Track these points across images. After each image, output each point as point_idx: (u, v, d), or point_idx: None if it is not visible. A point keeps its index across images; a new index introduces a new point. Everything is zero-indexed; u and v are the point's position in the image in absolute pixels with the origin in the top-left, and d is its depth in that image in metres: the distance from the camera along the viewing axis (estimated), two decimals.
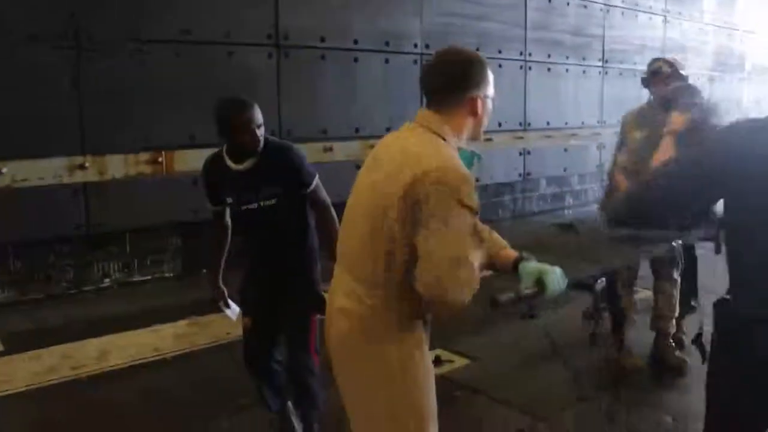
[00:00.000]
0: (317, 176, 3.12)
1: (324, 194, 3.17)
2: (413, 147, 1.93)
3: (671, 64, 4.44)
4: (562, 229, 3.38)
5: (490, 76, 2.06)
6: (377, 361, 1.97)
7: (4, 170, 5.27)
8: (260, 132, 2.94)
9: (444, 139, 1.97)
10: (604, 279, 2.73)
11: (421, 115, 2.03)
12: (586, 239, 3.12)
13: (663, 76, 4.41)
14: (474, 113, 2.01)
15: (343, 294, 2.03)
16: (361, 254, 1.96)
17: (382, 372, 1.97)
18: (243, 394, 3.60)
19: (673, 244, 3.06)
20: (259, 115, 2.95)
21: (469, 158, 2.03)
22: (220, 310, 3.36)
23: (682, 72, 4.43)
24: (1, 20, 5.23)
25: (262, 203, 3.01)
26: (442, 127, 1.98)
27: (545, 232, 3.01)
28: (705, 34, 12.70)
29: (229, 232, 3.28)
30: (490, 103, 2.06)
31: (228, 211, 3.21)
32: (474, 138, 2.07)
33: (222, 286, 3.32)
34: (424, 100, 2.09)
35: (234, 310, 3.34)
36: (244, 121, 2.89)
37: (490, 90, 2.06)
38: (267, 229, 3.08)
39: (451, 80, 1.99)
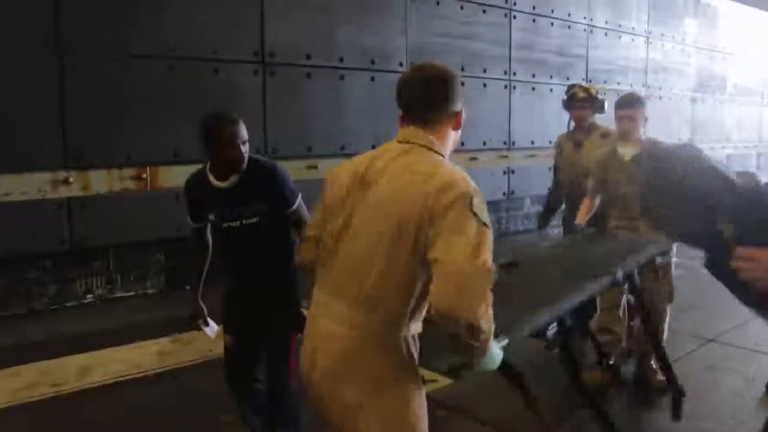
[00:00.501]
0: (300, 196, 3.14)
1: (306, 214, 3.18)
2: (420, 166, 1.90)
3: (586, 90, 4.99)
4: (503, 268, 3.21)
5: None
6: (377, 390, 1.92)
7: None
8: (245, 148, 2.95)
9: (442, 156, 1.98)
10: (555, 325, 2.66)
11: (410, 133, 1.99)
12: (530, 279, 3.06)
13: (578, 101, 4.98)
14: (457, 126, 2.04)
15: (336, 321, 1.96)
16: (367, 277, 1.90)
17: (383, 403, 1.93)
18: (225, 412, 3.58)
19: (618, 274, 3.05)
20: (243, 131, 2.95)
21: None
22: (199, 328, 3.34)
23: (598, 97, 5.01)
24: None
25: (244, 221, 3.02)
26: (435, 143, 1.97)
27: None
28: (687, 55, 12.89)
29: (210, 249, 3.28)
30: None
31: (209, 229, 3.21)
32: (451, 149, 2.08)
33: (201, 304, 3.31)
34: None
35: (212, 327, 3.34)
36: (228, 136, 2.88)
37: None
38: (249, 247, 3.08)
39: (438, 95, 1.99)
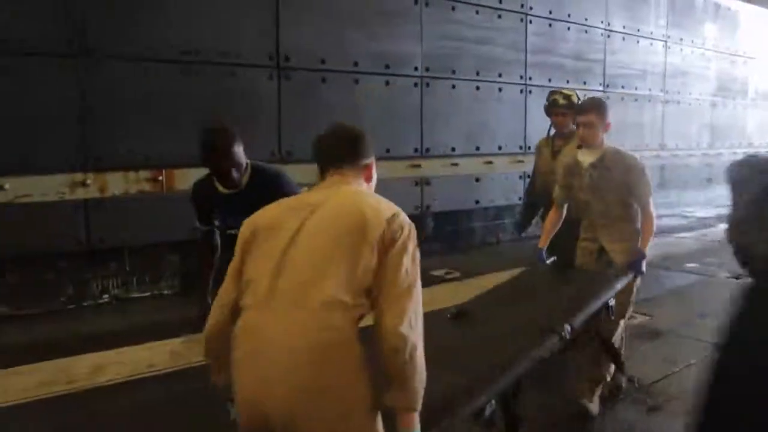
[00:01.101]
0: None
1: None
2: (365, 197, 2.08)
3: (566, 97, 5.00)
4: (452, 319, 3.20)
5: None
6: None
7: (7, 186, 5.36)
8: (238, 162, 3.01)
9: None
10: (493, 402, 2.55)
11: (339, 178, 2.19)
12: (476, 334, 2.97)
13: (559, 107, 5.00)
14: (369, 178, 2.28)
15: (298, 334, 1.89)
16: (332, 277, 1.93)
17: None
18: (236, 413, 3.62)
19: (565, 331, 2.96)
20: (237, 148, 3.03)
21: None
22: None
23: (579, 103, 4.81)
24: (5, 34, 5.34)
25: None
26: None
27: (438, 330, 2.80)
28: (707, 59, 12.79)
29: (218, 251, 3.33)
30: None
31: (216, 231, 3.26)
32: None
33: (209, 303, 3.36)
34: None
35: None
36: (221, 151, 2.98)
37: None
38: None
39: (354, 150, 2.23)
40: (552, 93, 5.17)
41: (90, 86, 5.71)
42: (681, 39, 12.02)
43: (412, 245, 1.99)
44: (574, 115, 4.80)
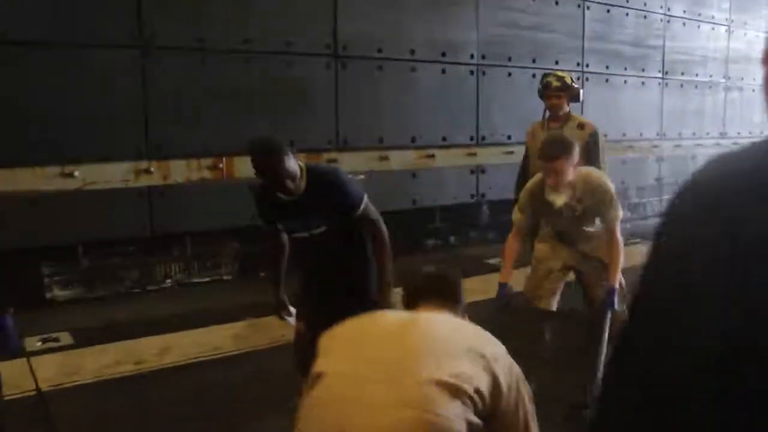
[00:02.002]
0: (365, 196, 3.16)
1: (374, 214, 3.22)
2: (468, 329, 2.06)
3: (560, 78, 4.95)
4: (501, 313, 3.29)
5: None
6: None
7: (76, 173, 5.54)
8: (290, 180, 2.97)
9: None
10: None
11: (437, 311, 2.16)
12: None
13: (553, 89, 4.94)
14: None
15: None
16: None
17: None
18: (298, 395, 3.70)
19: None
20: (286, 162, 2.94)
21: None
22: (283, 318, 3.52)
23: (574, 85, 4.96)
24: (70, 24, 5.49)
25: (312, 231, 3.12)
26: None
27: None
28: None
29: (287, 247, 3.37)
30: None
31: (283, 232, 3.32)
32: None
33: (283, 298, 3.44)
34: None
35: (291, 320, 3.50)
36: (271, 169, 2.93)
37: None
38: (320, 253, 3.19)
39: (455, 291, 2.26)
40: (546, 75, 5.14)
41: (152, 76, 5.85)
42: (745, 23, 11.65)
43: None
44: (569, 98, 4.83)
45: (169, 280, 6.30)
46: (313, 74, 6.73)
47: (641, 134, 9.91)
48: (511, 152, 8.21)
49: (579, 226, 3.92)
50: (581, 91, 5.10)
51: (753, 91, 11.94)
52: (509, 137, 8.22)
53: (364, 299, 3.20)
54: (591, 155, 4.98)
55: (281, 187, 2.97)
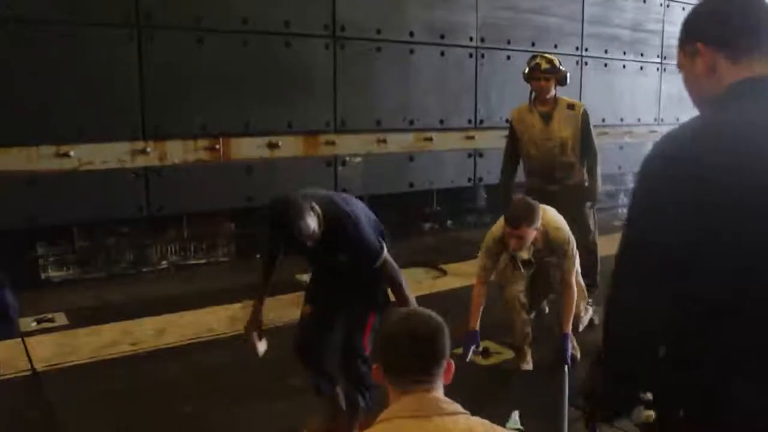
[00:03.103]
0: (384, 252, 3.08)
1: (394, 271, 3.13)
2: None
3: (550, 61, 4.94)
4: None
5: None
6: None
7: (72, 153, 5.49)
8: (312, 232, 2.85)
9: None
10: None
11: (424, 395, 1.73)
12: None
13: (542, 72, 4.91)
14: (449, 378, 1.82)
15: None
16: None
17: None
18: (293, 375, 3.71)
19: None
20: (307, 222, 2.82)
21: None
22: (249, 340, 3.31)
23: (561, 68, 4.97)
24: (66, 3, 5.42)
25: (329, 267, 3.17)
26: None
27: None
28: None
29: (277, 267, 3.34)
30: None
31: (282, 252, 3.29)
32: None
33: (260, 319, 3.34)
34: None
35: (263, 345, 3.33)
36: (294, 232, 2.83)
37: None
38: (338, 271, 3.19)
39: (439, 352, 1.78)
40: (533, 57, 5.07)
41: (149, 56, 5.78)
42: None
43: None
44: (557, 80, 4.91)
45: (165, 262, 6.28)
46: (312, 55, 6.67)
47: (639, 119, 9.88)
48: None
49: (543, 274, 4.25)
50: (568, 74, 5.06)
51: None
52: (508, 121, 8.17)
53: (370, 299, 3.21)
54: (584, 134, 5.00)
55: (302, 242, 2.88)
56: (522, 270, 4.15)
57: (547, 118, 4.96)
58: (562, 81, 5.03)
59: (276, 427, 3.44)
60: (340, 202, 3.10)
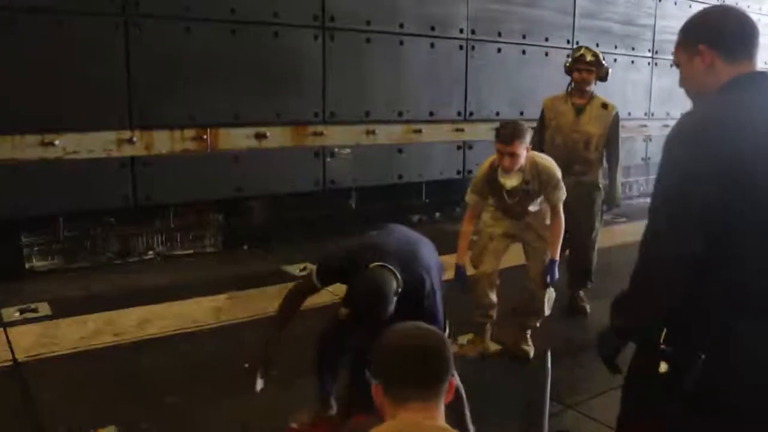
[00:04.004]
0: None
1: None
2: None
3: (595, 54, 5.00)
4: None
5: None
6: None
7: (57, 142, 5.44)
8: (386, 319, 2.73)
9: None
10: None
11: (422, 414, 1.66)
12: None
13: (586, 63, 4.96)
14: (450, 396, 1.75)
15: None
16: None
17: None
18: (276, 367, 3.69)
19: None
20: (387, 313, 2.75)
21: None
22: (253, 374, 3.11)
23: (604, 63, 5.02)
24: None
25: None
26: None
27: None
28: (764, 24, 12.31)
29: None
30: None
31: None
32: None
33: (272, 358, 3.12)
34: None
35: (260, 384, 3.14)
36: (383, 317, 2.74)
37: None
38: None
39: (447, 368, 1.72)
40: (579, 48, 5.13)
41: (136, 45, 5.72)
42: (736, 3, 11.60)
43: None
44: (598, 74, 4.88)
45: (151, 252, 6.25)
46: (301, 46, 6.63)
47: (630, 114, 9.85)
48: None
49: (523, 205, 4.14)
50: (609, 70, 5.09)
51: None
52: (497, 113, 8.17)
53: None
54: (611, 136, 5.06)
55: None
56: (508, 199, 4.08)
57: (579, 111, 5.02)
58: (603, 76, 5.07)
59: (257, 418, 3.42)
60: (420, 259, 3.00)
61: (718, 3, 10.91)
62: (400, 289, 2.81)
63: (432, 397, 1.66)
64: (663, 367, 1.74)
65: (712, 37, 1.84)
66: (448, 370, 1.70)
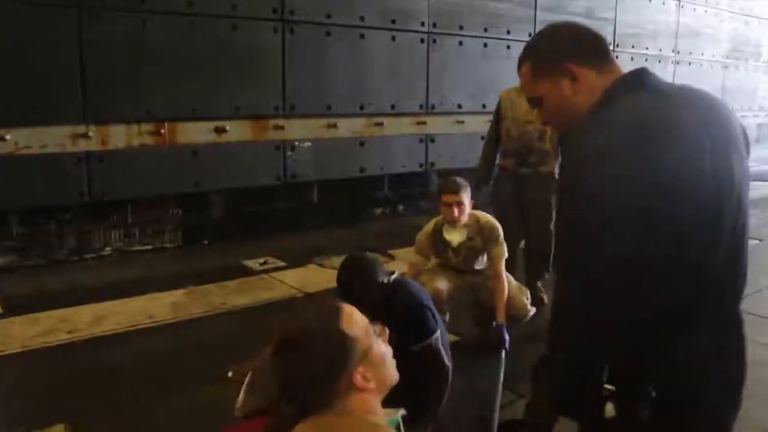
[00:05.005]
0: (435, 336, 3.02)
1: (439, 355, 3.07)
2: None
3: None
4: None
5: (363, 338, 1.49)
6: None
7: (8, 137, 5.32)
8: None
9: None
10: None
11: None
12: None
13: None
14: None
15: None
16: None
17: None
18: (231, 362, 3.66)
19: None
20: (364, 293, 2.86)
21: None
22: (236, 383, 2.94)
23: None
24: None
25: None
26: None
27: None
28: (720, 20, 12.53)
29: None
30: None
31: None
32: None
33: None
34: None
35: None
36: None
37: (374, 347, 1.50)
38: None
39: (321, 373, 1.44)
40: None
41: (91, 37, 5.62)
42: None
43: None
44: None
45: (108, 248, 6.15)
46: (260, 39, 6.57)
47: None
48: (462, 121, 8.23)
49: (469, 264, 4.16)
50: None
51: (701, 65, 12.13)
52: (460, 106, 8.20)
53: None
54: None
55: None
56: (453, 258, 4.11)
57: None
58: None
59: (213, 412, 3.39)
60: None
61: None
62: (386, 279, 2.96)
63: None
64: (609, 409, 1.48)
65: (577, 52, 1.65)
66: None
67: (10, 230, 5.66)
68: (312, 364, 1.41)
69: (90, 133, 5.72)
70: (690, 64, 11.82)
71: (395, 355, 1.60)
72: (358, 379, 1.43)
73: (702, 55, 12.15)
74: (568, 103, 1.66)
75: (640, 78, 1.58)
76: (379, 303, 2.89)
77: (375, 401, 1.49)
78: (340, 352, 1.43)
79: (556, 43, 1.70)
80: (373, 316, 2.50)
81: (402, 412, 1.82)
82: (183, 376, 3.75)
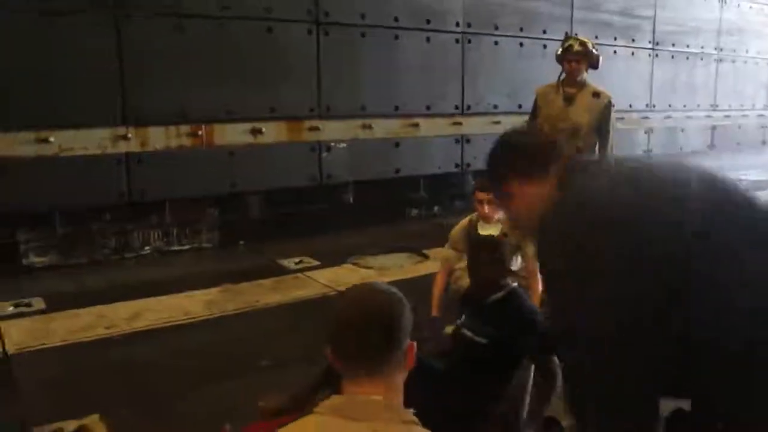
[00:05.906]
0: None
1: None
2: None
3: (583, 44, 5.05)
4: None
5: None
6: None
7: (52, 139, 5.47)
8: None
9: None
10: None
11: (370, 391, 1.48)
12: None
13: (574, 53, 5.03)
14: (409, 365, 1.58)
15: None
16: None
17: None
18: (265, 357, 3.72)
19: None
20: None
21: None
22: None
23: (595, 52, 5.09)
24: None
25: None
26: (400, 405, 1.53)
27: None
28: (766, 15, 12.23)
29: None
30: None
31: None
32: None
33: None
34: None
35: None
36: None
37: None
38: None
39: (389, 335, 1.52)
40: (567, 38, 5.20)
41: (128, 40, 5.75)
42: None
43: None
44: (588, 63, 4.89)
45: (147, 248, 6.27)
46: (295, 40, 6.64)
47: (631, 105, 9.82)
48: (498, 122, 8.17)
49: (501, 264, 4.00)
50: (600, 58, 5.10)
51: (745, 63, 11.86)
52: (495, 106, 8.17)
53: None
54: (602, 124, 5.09)
55: None
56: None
57: (569, 100, 5.06)
58: (594, 64, 5.09)
59: (242, 401, 3.43)
60: None
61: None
62: None
63: (375, 368, 1.49)
64: None
65: (539, 153, 1.90)
66: (392, 338, 1.51)
67: (54, 230, 5.80)
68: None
69: (129, 135, 5.85)
70: (734, 61, 11.56)
71: None
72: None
73: (746, 52, 11.87)
74: (535, 199, 1.89)
75: (584, 161, 2.06)
76: None
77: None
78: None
79: (517, 152, 1.97)
80: None
81: None
82: (216, 370, 3.80)
